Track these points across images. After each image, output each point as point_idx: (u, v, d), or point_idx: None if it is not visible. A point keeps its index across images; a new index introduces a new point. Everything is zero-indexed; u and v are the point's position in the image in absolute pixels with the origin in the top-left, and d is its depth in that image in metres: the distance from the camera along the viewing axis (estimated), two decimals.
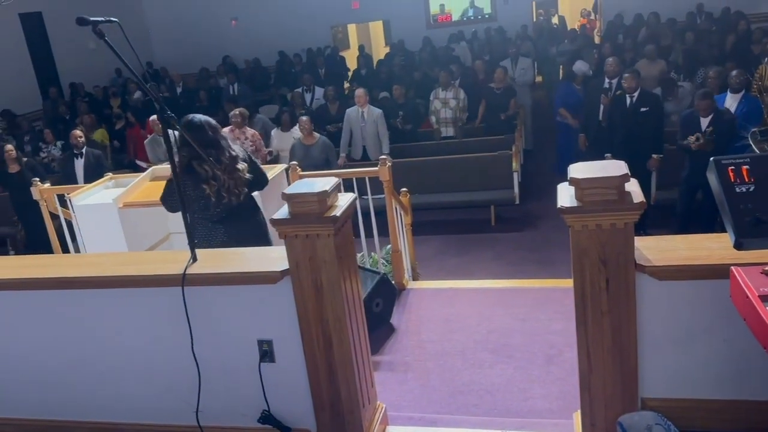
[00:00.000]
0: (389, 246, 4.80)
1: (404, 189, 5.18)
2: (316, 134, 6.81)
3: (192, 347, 2.61)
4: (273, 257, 2.62)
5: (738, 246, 1.83)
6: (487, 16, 14.37)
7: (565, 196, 2.30)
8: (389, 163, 4.57)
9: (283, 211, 2.48)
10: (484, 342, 3.80)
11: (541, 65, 12.60)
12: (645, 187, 5.30)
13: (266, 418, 2.71)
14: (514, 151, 7.27)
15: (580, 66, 7.80)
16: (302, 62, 12.88)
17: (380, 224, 4.77)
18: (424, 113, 8.84)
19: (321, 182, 2.49)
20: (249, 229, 3.48)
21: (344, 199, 2.56)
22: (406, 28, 13.94)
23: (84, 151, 6.66)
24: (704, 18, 11.50)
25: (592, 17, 16.02)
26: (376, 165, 4.61)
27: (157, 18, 15.07)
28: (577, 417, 2.61)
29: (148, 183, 4.59)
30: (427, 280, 5.23)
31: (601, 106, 6.54)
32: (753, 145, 4.49)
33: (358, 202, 3.04)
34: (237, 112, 6.68)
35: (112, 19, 2.37)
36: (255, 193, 4.06)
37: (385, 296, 4.17)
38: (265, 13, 14.30)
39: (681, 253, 2.36)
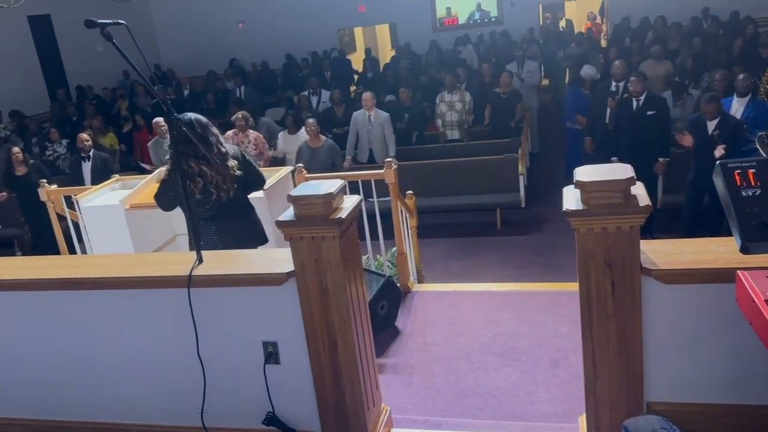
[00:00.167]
0: (394, 248, 4.80)
1: (410, 192, 5.19)
2: (323, 137, 6.83)
3: (197, 348, 2.62)
4: (278, 259, 2.63)
5: (744, 250, 1.82)
6: (493, 19, 14.38)
7: (571, 199, 2.30)
8: (395, 166, 4.57)
9: (288, 213, 2.49)
10: (490, 345, 3.80)
11: (547, 69, 12.59)
12: (651, 191, 5.28)
13: (271, 419, 2.71)
14: (520, 154, 7.27)
15: (587, 70, 7.79)
16: (309, 65, 12.92)
17: (386, 227, 4.77)
18: (430, 116, 8.85)
19: (326, 184, 2.49)
20: (242, 228, 3.49)
21: (350, 202, 2.57)
22: (412, 31, 13.96)
23: (91, 154, 6.70)
24: (711, 22, 11.46)
25: (598, 20, 15.99)
26: (381, 168, 4.62)
27: (164, 20, 15.15)
28: (582, 421, 2.61)
29: (155, 185, 4.60)
30: (433, 282, 5.23)
31: (608, 110, 6.53)
32: (760, 149, 4.47)
33: (363, 204, 3.05)
34: (240, 116, 6.71)
35: (120, 21, 2.39)
36: (260, 195, 4.09)
37: (390, 299, 4.17)
38: (272, 16, 14.36)
39: (687, 256, 2.35)
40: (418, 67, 11.54)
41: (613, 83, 6.68)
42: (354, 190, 3.82)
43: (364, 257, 4.60)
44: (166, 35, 15.22)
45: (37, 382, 2.98)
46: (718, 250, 2.33)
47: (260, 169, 3.76)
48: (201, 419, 2.74)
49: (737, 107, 5.66)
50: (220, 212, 3.38)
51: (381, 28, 16.54)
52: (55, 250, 5.20)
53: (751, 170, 1.86)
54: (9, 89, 10.95)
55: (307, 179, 4.39)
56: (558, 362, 3.53)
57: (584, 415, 2.56)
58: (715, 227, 5.52)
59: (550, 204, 7.08)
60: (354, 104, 8.86)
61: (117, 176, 5.16)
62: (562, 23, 16.14)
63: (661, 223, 5.99)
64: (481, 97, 8.53)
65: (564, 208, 2.27)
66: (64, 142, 9.03)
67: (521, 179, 7.00)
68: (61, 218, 5.09)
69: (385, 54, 15.78)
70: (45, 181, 5.13)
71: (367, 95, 7.60)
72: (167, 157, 3.46)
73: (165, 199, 3.39)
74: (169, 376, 2.80)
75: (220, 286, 2.60)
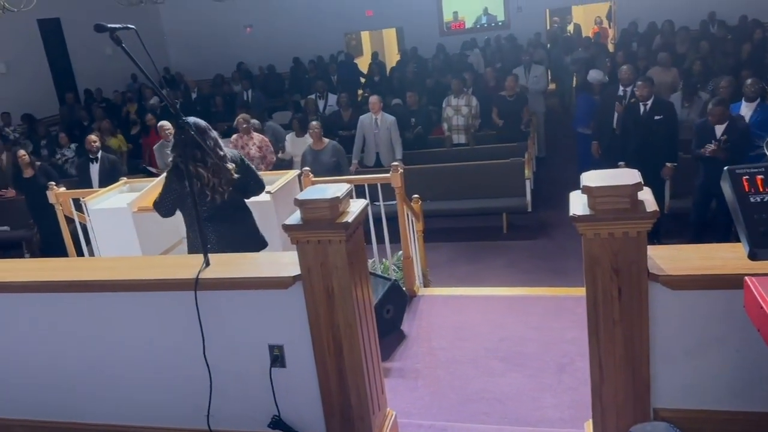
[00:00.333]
0: (400, 252, 4.80)
1: (416, 195, 5.19)
2: (326, 139, 6.84)
3: (204, 351, 2.63)
4: (285, 262, 2.63)
5: (752, 256, 1.82)
6: (500, 23, 14.38)
7: (578, 204, 2.29)
8: (401, 170, 4.58)
9: (295, 217, 2.49)
10: (496, 350, 3.79)
11: (554, 73, 12.58)
12: (659, 196, 5.27)
13: (276, 423, 2.71)
14: (526, 158, 7.26)
15: (594, 75, 7.77)
16: (316, 69, 12.96)
17: (392, 231, 4.78)
18: (436, 120, 8.85)
19: (333, 188, 2.50)
20: (239, 231, 3.54)
21: (356, 206, 2.57)
22: (419, 35, 13.98)
23: (99, 156, 6.73)
24: (718, 26, 11.43)
25: (605, 25, 15.96)
26: (388, 171, 4.62)
27: (173, 24, 15.23)
28: (588, 427, 2.60)
29: (160, 189, 4.62)
30: (438, 287, 5.23)
31: (615, 114, 6.52)
32: None
33: (369, 208, 3.06)
34: (241, 119, 6.73)
35: (130, 26, 2.40)
36: (267, 199, 4.11)
37: (396, 303, 4.17)
38: (280, 20, 14.41)
39: (694, 262, 2.34)
40: (425, 71, 11.55)
41: (621, 88, 6.66)
42: (360, 193, 3.83)
43: (370, 261, 4.60)
44: (175, 39, 15.32)
45: (44, 384, 2.99)
46: (726, 256, 2.32)
47: (261, 173, 3.80)
48: (207, 422, 2.75)
49: (745, 112, 5.64)
50: (216, 214, 3.43)
51: (388, 32, 16.58)
52: (63, 252, 5.23)
53: (760, 176, 1.85)
54: (19, 92, 11.04)
55: (313, 183, 4.40)
56: (564, 367, 3.52)
57: (590, 420, 2.55)
58: (723, 232, 5.50)
59: (557, 208, 7.07)
60: (361, 108, 8.87)
61: (125, 179, 5.19)
62: (570, 27, 16.11)
63: (669, 228, 5.97)
64: (486, 101, 8.52)
65: (571, 213, 2.27)
66: (73, 146, 9.08)
67: (528, 183, 6.99)
68: (69, 220, 5.12)
69: (392, 58, 15.80)
70: (53, 183, 5.16)
71: (373, 99, 7.61)
72: (170, 159, 3.54)
73: (165, 203, 3.45)
74: (175, 378, 2.81)
75: (227, 289, 2.61)
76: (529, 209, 7.01)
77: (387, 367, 3.67)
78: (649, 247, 2.29)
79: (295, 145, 7.51)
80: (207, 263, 2.65)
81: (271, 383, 2.66)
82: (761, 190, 1.84)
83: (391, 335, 4.05)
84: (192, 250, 3.59)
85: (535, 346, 3.78)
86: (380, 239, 4.73)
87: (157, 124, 7.43)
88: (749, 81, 5.70)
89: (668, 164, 5.83)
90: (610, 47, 13.25)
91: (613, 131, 6.56)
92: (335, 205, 2.42)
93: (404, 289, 4.49)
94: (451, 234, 7.10)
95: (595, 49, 11.18)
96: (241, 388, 2.75)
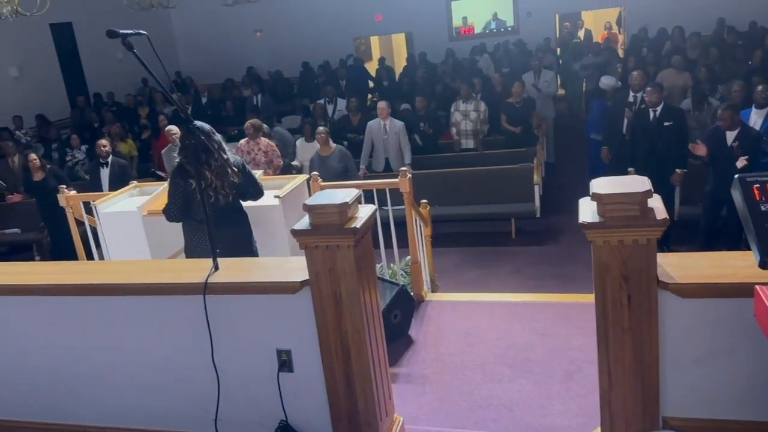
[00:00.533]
0: (408, 257, 4.80)
1: (424, 200, 5.19)
2: (333, 144, 6.85)
3: (212, 355, 2.63)
4: (293, 267, 2.64)
5: (763, 265, 1.81)
6: (510, 28, 14.38)
7: (587, 211, 2.29)
8: (409, 175, 4.58)
9: (304, 222, 2.50)
10: (504, 356, 3.78)
11: (564, 79, 12.55)
12: (668, 202, 5.24)
13: (284, 428, 2.72)
14: (535, 163, 7.24)
15: (606, 81, 7.75)
16: (325, 73, 13.00)
17: (400, 235, 4.77)
18: (445, 125, 8.85)
19: (342, 194, 2.51)
20: (237, 233, 3.72)
21: (365, 211, 2.57)
22: (428, 40, 14.00)
23: (110, 160, 6.78)
24: (727, 32, 11.38)
25: (614, 30, 15.91)
26: (396, 176, 4.63)
27: (184, 29, 15.34)
28: None
29: None
30: (446, 292, 5.22)
31: (625, 120, 6.50)
32: None
33: (378, 213, 3.06)
34: (248, 124, 6.76)
35: (142, 32, 2.42)
36: (276, 203, 4.13)
37: (403, 308, 4.16)
38: (290, 25, 14.48)
39: (704, 270, 2.33)
40: (434, 76, 11.55)
41: (631, 94, 6.64)
42: (369, 198, 3.84)
43: (378, 266, 4.60)
44: (186, 43, 15.43)
45: (52, 387, 3.01)
46: (737, 265, 2.31)
47: (269, 177, 3.91)
48: (215, 426, 2.75)
49: (756, 119, 5.60)
50: (216, 216, 3.47)
51: (397, 36, 16.60)
52: (73, 255, 5.26)
53: None
54: (31, 95, 11.14)
55: (322, 188, 4.41)
56: (572, 375, 3.50)
57: (599, 428, 2.54)
58: (734, 240, 5.46)
59: (566, 214, 7.04)
60: (370, 112, 8.89)
61: (135, 182, 5.22)
62: (581, 33, 16.07)
63: (678, 235, 5.93)
64: (496, 106, 8.52)
65: (580, 220, 2.26)
66: (83, 148, 9.15)
67: (536, 189, 6.97)
68: (80, 223, 5.15)
69: (401, 63, 15.81)
70: (64, 186, 5.19)
71: (382, 104, 7.62)
72: (176, 162, 3.66)
73: (173, 205, 3.58)
74: (183, 382, 2.82)
75: (236, 294, 2.62)
76: (538, 215, 6.99)
77: (394, 372, 3.66)
78: (658, 254, 2.28)
79: (305, 150, 7.53)
80: (216, 267, 2.67)
81: (279, 388, 2.66)
82: None
83: (398, 340, 4.05)
84: (189, 255, 3.68)
85: (543, 353, 3.77)
86: (388, 244, 4.73)
87: (165, 128, 7.47)
88: (760, 87, 5.66)
89: (678, 170, 5.80)
90: (620, 53, 13.21)
91: (623, 137, 6.53)
92: (344, 210, 2.42)
93: (412, 294, 4.48)
94: (459, 239, 7.09)
95: (607, 55, 11.15)
96: (248, 393, 2.75)
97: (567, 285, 5.47)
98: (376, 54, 16.34)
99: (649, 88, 5.87)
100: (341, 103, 9.75)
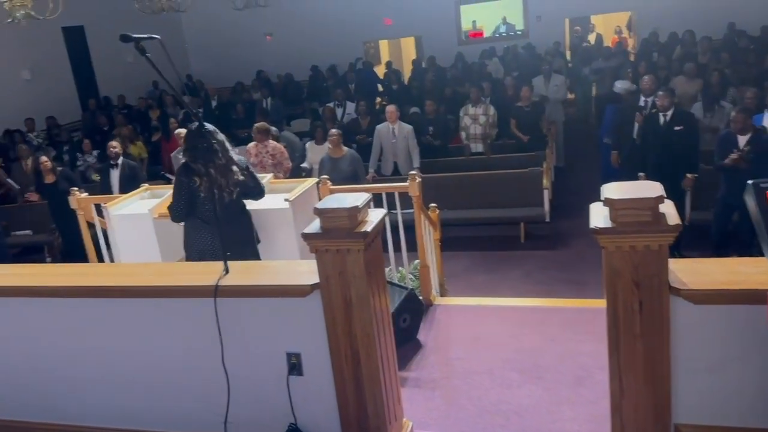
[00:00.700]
0: (417, 261, 4.80)
1: (433, 204, 5.18)
2: (345, 147, 6.86)
3: (222, 358, 2.64)
4: (303, 271, 2.65)
5: None
6: (519, 32, 14.36)
7: (599, 216, 2.28)
8: (419, 179, 4.57)
9: (314, 226, 2.50)
10: (513, 361, 3.76)
11: (573, 83, 12.51)
12: (679, 207, 5.20)
13: (293, 431, 2.72)
14: (544, 167, 7.22)
15: (621, 85, 7.71)
16: (334, 77, 13.02)
17: (409, 239, 4.77)
18: (454, 129, 8.85)
19: (352, 197, 2.51)
20: (239, 232, 3.80)
21: (375, 215, 2.58)
22: (437, 44, 13.99)
23: (120, 162, 6.82)
24: (739, 36, 11.31)
25: (624, 35, 15.84)
26: (405, 180, 4.63)
27: (194, 32, 15.41)
28: None
29: None
30: (455, 296, 5.20)
31: (636, 125, 6.47)
32: None
33: (387, 216, 3.06)
34: (255, 128, 6.79)
35: (154, 36, 2.43)
36: (285, 206, 4.14)
37: (412, 312, 4.16)
38: (299, 28, 14.52)
39: (717, 276, 2.32)
40: (443, 80, 11.55)
41: (642, 98, 6.61)
42: (378, 202, 3.84)
43: (387, 269, 4.60)
44: (196, 46, 15.50)
45: (63, 388, 3.03)
46: (749, 271, 2.29)
47: (279, 181, 3.99)
48: (224, 428, 2.76)
49: (767, 123, 5.57)
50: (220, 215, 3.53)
51: (406, 40, 16.62)
52: (84, 257, 5.29)
53: None
54: (42, 98, 11.23)
55: (331, 191, 4.41)
56: (582, 380, 3.48)
57: None
58: (745, 245, 5.42)
59: (576, 218, 7.01)
60: (379, 116, 8.90)
61: (146, 185, 5.24)
62: (592, 37, 16.01)
63: (689, 240, 5.89)
64: (505, 110, 8.51)
65: (591, 226, 2.25)
66: (95, 153, 9.20)
67: (546, 193, 6.95)
68: (91, 225, 5.18)
69: (410, 67, 15.83)
70: (75, 189, 5.23)
71: (390, 108, 7.63)
72: (181, 161, 3.76)
73: (178, 202, 3.67)
74: (193, 385, 2.83)
75: (246, 297, 2.63)
76: (547, 219, 6.97)
77: (403, 376, 3.66)
78: (670, 260, 2.27)
79: (315, 152, 7.54)
80: (227, 270, 2.67)
81: (288, 391, 2.66)
82: None
83: (407, 344, 4.04)
84: (189, 253, 3.83)
85: (552, 358, 3.75)
86: (397, 248, 4.72)
87: (175, 132, 7.51)
88: None
89: (689, 175, 5.77)
90: (630, 57, 13.15)
91: (633, 142, 6.50)
92: (354, 214, 2.43)
93: (421, 298, 4.48)
94: (468, 243, 7.07)
95: (620, 59, 11.10)
96: (258, 396, 2.75)
97: (577, 290, 5.44)
98: (385, 58, 16.37)
99: (660, 93, 5.84)
100: (350, 107, 9.77)
